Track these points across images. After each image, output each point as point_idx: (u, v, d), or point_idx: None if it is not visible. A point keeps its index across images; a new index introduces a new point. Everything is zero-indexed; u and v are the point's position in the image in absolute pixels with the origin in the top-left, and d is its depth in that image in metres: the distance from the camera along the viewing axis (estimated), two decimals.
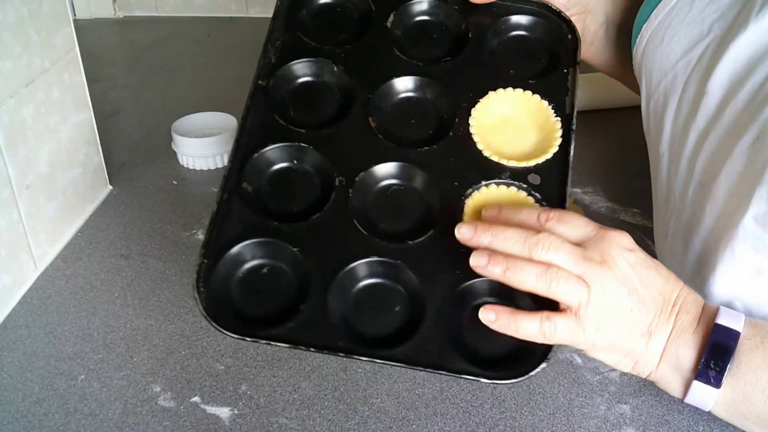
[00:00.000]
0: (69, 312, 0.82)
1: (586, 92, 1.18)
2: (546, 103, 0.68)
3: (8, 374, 0.74)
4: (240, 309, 0.60)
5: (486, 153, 0.66)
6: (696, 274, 0.68)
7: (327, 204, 0.63)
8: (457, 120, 0.68)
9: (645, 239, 0.90)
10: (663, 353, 0.59)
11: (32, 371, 0.74)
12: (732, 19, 0.67)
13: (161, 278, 0.87)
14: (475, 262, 0.58)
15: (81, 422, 0.69)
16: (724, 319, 0.58)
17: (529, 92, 0.69)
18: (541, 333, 0.57)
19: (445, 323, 0.59)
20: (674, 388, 0.60)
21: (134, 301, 0.84)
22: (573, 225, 0.59)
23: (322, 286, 0.60)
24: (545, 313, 0.57)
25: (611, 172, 1.04)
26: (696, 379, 0.58)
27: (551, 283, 0.56)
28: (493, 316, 0.58)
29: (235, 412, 0.70)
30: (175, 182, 1.06)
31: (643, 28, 0.75)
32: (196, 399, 0.71)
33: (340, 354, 0.57)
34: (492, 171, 0.65)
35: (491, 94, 0.69)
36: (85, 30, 1.53)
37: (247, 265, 0.62)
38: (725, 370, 0.57)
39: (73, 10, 1.60)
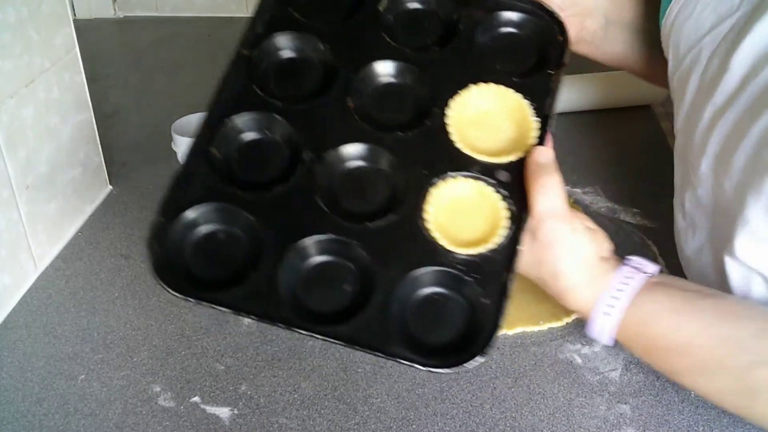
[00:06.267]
0: (69, 312, 0.82)
1: (587, 92, 1.18)
2: (527, 102, 0.68)
3: (8, 374, 0.74)
4: (191, 271, 0.60)
5: (458, 145, 0.66)
6: (714, 245, 0.68)
7: (292, 177, 0.63)
8: (435, 110, 0.68)
9: (645, 239, 0.90)
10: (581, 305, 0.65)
11: (32, 371, 0.74)
12: None
13: None
14: None
15: (81, 422, 0.69)
16: (634, 262, 0.65)
17: (511, 90, 0.68)
18: None
19: (392, 307, 0.59)
20: (587, 324, 0.65)
21: (134, 301, 0.84)
22: None
23: (274, 257, 0.60)
24: None
25: (611, 172, 1.04)
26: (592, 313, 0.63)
27: None
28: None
29: (235, 412, 0.70)
30: None
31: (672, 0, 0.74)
32: (196, 399, 0.71)
33: (280, 325, 0.57)
34: (462, 163, 0.65)
35: (473, 87, 0.68)
36: (85, 30, 1.52)
37: (204, 228, 0.62)
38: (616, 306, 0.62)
39: (73, 10, 1.60)
